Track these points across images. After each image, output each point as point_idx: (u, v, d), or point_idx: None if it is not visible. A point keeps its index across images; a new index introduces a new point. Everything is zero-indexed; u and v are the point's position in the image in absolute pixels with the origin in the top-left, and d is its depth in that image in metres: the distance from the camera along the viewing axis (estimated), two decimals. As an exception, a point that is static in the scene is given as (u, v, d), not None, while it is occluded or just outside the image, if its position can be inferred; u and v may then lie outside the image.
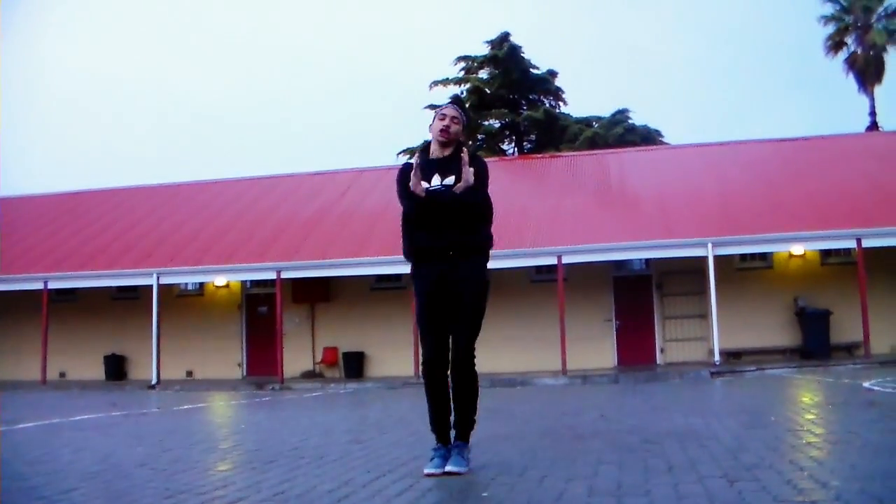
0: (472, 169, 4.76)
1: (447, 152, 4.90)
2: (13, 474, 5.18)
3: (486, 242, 5.04)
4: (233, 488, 4.47)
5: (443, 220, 4.80)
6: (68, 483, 4.74)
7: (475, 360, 4.86)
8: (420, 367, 5.01)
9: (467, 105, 37.98)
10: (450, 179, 4.80)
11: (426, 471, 4.68)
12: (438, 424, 4.91)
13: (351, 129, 76.71)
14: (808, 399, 8.50)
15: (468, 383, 4.84)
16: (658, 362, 20.89)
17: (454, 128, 4.87)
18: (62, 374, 24.08)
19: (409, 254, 4.98)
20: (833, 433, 5.62)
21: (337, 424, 7.81)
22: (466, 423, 4.88)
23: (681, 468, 4.40)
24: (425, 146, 5.04)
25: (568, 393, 14.02)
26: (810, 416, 6.61)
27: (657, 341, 21.13)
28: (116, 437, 7.15)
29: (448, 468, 4.64)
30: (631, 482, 4.08)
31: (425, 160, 4.93)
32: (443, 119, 4.88)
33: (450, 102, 5.02)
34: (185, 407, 11.79)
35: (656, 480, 4.09)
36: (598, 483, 4.11)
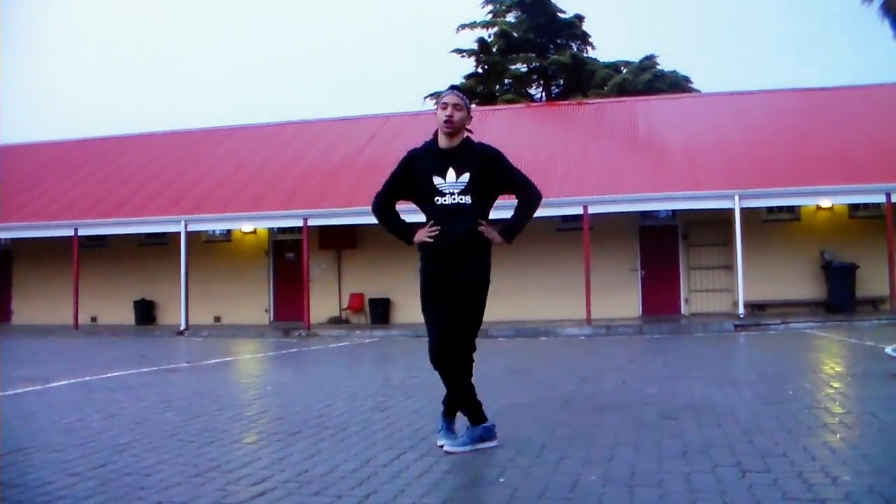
0: (493, 232, 4.86)
1: (455, 141, 4.85)
2: (50, 444, 5.34)
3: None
4: (258, 465, 4.60)
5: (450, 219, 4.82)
6: (100, 457, 4.89)
7: (474, 350, 4.97)
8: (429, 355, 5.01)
9: (494, 49, 37.67)
10: (465, 177, 4.77)
11: (439, 443, 4.92)
12: (448, 401, 5.05)
13: (376, 74, 76.16)
14: (828, 368, 8.52)
15: (465, 376, 4.93)
16: (682, 313, 20.93)
17: (458, 115, 4.79)
18: (93, 319, 24.51)
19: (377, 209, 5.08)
20: (850, 413, 5.65)
21: (361, 387, 7.95)
22: (468, 411, 4.94)
23: (695, 452, 4.48)
24: (433, 138, 4.94)
25: (591, 347, 14.11)
26: (829, 391, 6.64)
27: (682, 292, 21.15)
28: (146, 399, 7.31)
29: (446, 447, 4.80)
30: (645, 469, 4.16)
31: (435, 151, 4.89)
32: (444, 108, 4.80)
33: (450, 89, 4.92)
34: (213, 361, 12.00)
35: (670, 467, 4.17)
36: (612, 469, 4.19)
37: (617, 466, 4.25)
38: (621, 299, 20.90)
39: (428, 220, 4.87)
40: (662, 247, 21.25)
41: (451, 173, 4.77)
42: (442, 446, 4.84)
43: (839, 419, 5.36)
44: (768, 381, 7.31)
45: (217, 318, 23.85)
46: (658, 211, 20.73)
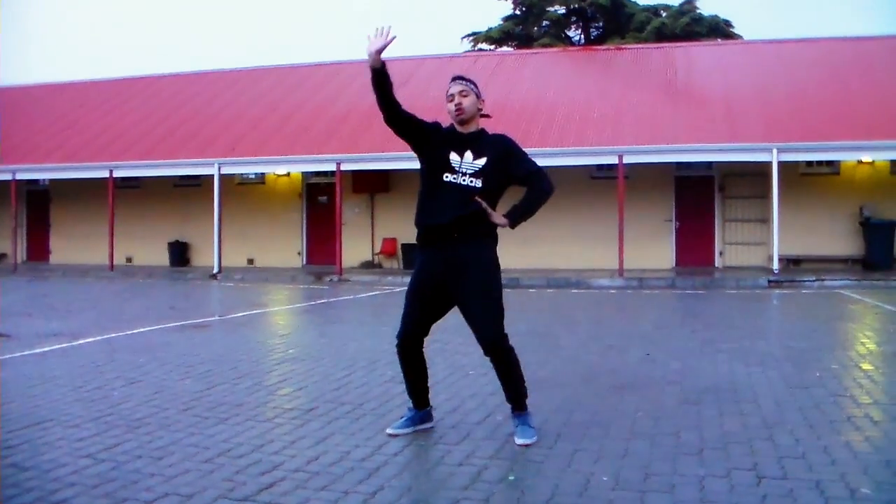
0: (496, 214, 4.68)
1: (472, 128, 4.78)
2: (68, 417, 5.37)
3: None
4: (270, 448, 4.58)
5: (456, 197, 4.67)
6: (115, 434, 4.90)
7: (507, 339, 4.76)
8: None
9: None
10: (481, 161, 4.67)
11: (388, 431, 4.88)
12: (413, 393, 5.01)
13: (412, 15, 75.14)
14: (859, 346, 8.30)
15: (508, 365, 4.75)
16: (716, 265, 20.69)
17: (466, 101, 4.70)
18: (129, 260, 24.79)
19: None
20: (877, 404, 5.48)
21: (383, 352, 7.90)
22: (517, 396, 4.78)
23: (712, 450, 4.38)
24: (451, 125, 4.84)
25: (621, 303, 14.00)
26: (857, 375, 6.46)
27: (716, 244, 20.88)
28: (168, 363, 7.34)
29: (518, 441, 4.60)
30: (659, 469, 4.07)
31: (455, 133, 4.79)
32: (451, 100, 4.73)
33: (453, 79, 4.83)
34: (241, 314, 12.04)
35: (684, 468, 4.08)
36: (625, 468, 4.11)
37: (630, 465, 4.17)
38: (655, 250, 20.69)
39: (423, 195, 4.75)
40: (698, 198, 20.94)
41: (468, 154, 4.69)
42: (392, 435, 4.82)
43: (865, 412, 5.22)
44: (795, 360, 7.15)
45: (250, 261, 23.99)
46: (695, 161, 20.36)
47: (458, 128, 4.77)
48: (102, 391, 6.21)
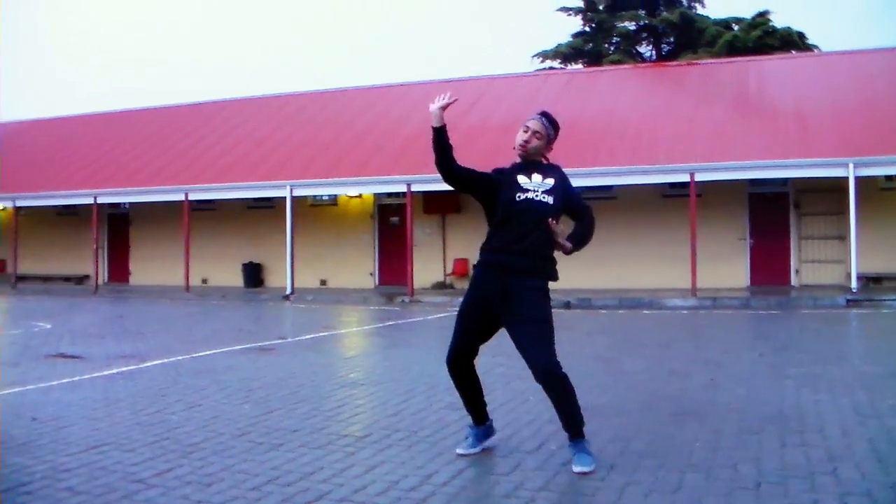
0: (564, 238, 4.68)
1: (532, 162, 4.80)
2: (126, 441, 5.43)
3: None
4: (318, 477, 4.55)
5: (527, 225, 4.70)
6: (168, 460, 4.93)
7: (559, 366, 4.71)
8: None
9: (601, 6, 36.67)
10: (550, 181, 4.71)
11: (458, 451, 4.91)
12: (470, 409, 5.10)
13: (482, 34, 75.45)
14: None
15: (562, 392, 4.73)
16: (792, 283, 20.17)
17: (533, 144, 4.74)
18: (204, 281, 25.23)
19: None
20: None
21: (443, 376, 7.82)
22: (573, 424, 4.71)
23: (769, 485, 4.20)
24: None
25: (692, 325, 13.73)
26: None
27: (792, 262, 20.37)
28: (229, 387, 7.39)
29: (576, 469, 4.51)
30: (712, 504, 3.93)
31: (518, 163, 4.85)
32: (525, 132, 4.75)
33: (538, 115, 4.82)
34: (308, 337, 12.13)
35: None
36: None
37: (682, 499, 4.02)
38: (728, 269, 20.28)
39: (497, 223, 4.77)
40: (772, 215, 20.48)
41: (536, 176, 4.72)
42: (462, 455, 4.89)
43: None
44: (868, 386, 6.87)
45: (323, 282, 24.21)
46: (768, 178, 19.90)
47: (518, 160, 4.82)
48: (162, 415, 6.28)
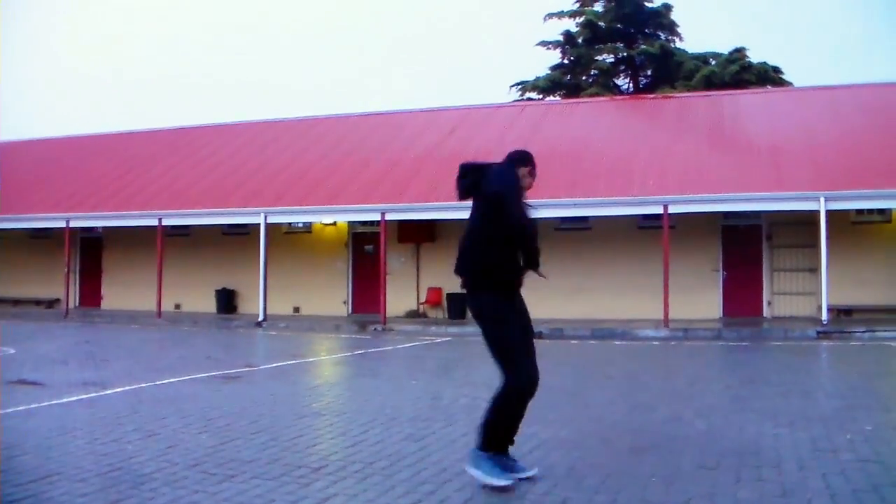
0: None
1: None
2: (77, 471, 5.34)
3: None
4: (236, 502, 4.50)
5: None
6: (118, 491, 4.86)
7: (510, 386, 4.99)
8: (519, 389, 5.05)
9: (580, 39, 37.02)
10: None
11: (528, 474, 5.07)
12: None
13: (460, 65, 75.84)
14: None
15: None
16: (765, 315, 20.27)
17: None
18: (177, 306, 25.02)
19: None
20: None
21: (405, 407, 7.82)
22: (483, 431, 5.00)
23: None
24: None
25: (661, 357, 13.73)
26: (892, 438, 6.17)
27: (764, 294, 20.49)
28: (189, 416, 7.31)
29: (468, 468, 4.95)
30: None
31: None
32: (532, 176, 5.18)
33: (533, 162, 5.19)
34: (274, 365, 12.05)
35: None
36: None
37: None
38: (702, 300, 20.35)
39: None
40: (745, 247, 20.62)
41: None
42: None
43: (893, 480, 4.95)
44: (828, 420, 6.87)
45: (296, 309, 24.08)
46: (741, 210, 20.03)
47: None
48: (118, 444, 6.19)
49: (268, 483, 5.06)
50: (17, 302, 27.21)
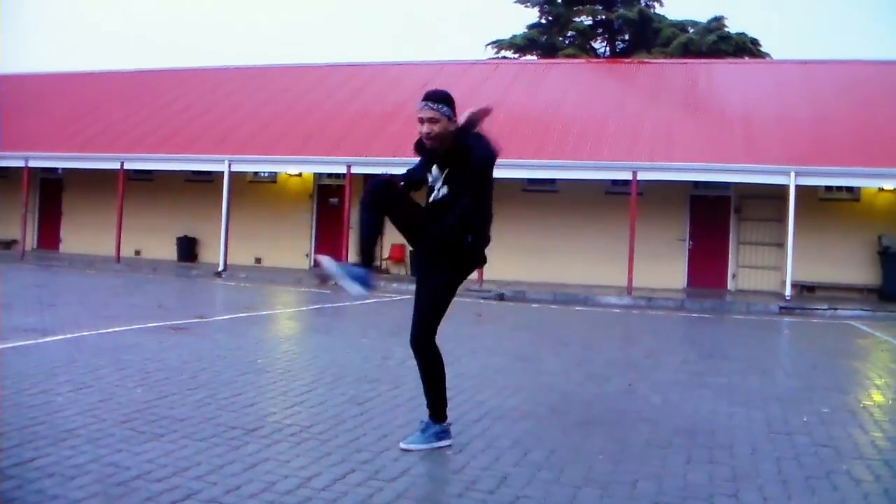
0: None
1: (448, 145, 4.61)
2: (18, 419, 5.05)
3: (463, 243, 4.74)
4: (192, 473, 4.23)
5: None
6: (36, 447, 4.56)
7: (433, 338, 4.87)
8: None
9: (559, 0, 36.46)
10: (444, 190, 4.64)
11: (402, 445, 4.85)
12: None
13: (436, 19, 74.86)
14: (859, 390, 7.82)
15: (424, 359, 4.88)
16: (729, 288, 20.22)
17: (436, 128, 4.54)
18: (137, 252, 24.61)
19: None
20: (863, 459, 4.92)
21: (354, 367, 7.57)
22: (430, 399, 4.92)
23: (667, 505, 3.99)
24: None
25: (622, 325, 13.59)
26: (849, 423, 5.96)
27: (730, 266, 20.43)
28: (127, 368, 7.01)
29: (402, 444, 4.80)
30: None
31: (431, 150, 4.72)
32: (421, 124, 4.59)
33: (422, 101, 4.61)
34: (225, 317, 11.77)
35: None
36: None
37: (572, 518, 3.78)
38: (666, 269, 20.25)
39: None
40: (713, 218, 20.51)
41: (434, 169, 4.70)
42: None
43: (847, 467, 4.75)
44: (785, 400, 6.71)
45: (258, 260, 23.76)
46: (711, 181, 19.87)
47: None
48: (46, 396, 5.88)
49: (197, 444, 4.79)
50: (-29, 242, 26.61)
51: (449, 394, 6.27)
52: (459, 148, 4.56)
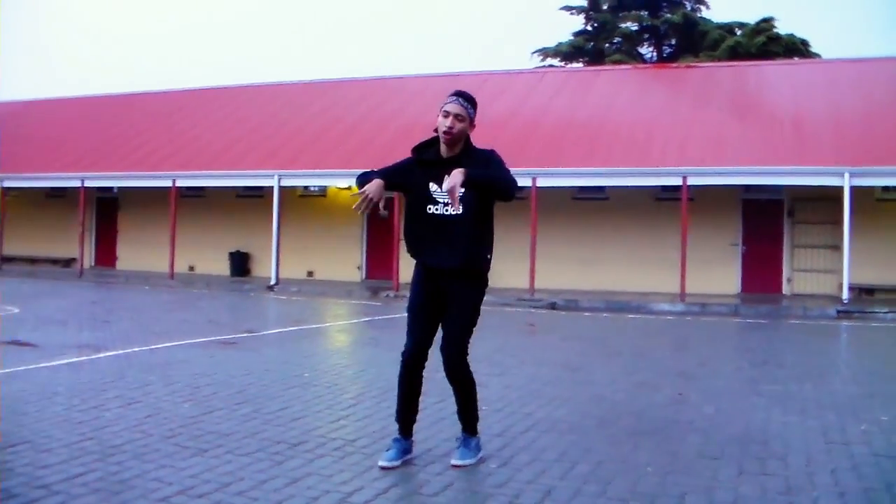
0: (456, 177, 4.28)
1: (456, 150, 4.57)
2: (47, 440, 5.09)
3: (485, 265, 4.77)
4: (235, 489, 4.25)
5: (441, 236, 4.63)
6: (83, 463, 4.61)
7: (466, 360, 4.73)
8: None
9: (604, 7, 36.25)
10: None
11: (380, 464, 4.64)
12: (407, 419, 4.90)
13: (481, 29, 74.91)
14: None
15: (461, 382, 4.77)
16: (784, 292, 19.83)
17: (458, 126, 4.50)
18: (191, 268, 24.89)
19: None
20: None
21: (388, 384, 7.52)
22: (468, 417, 4.85)
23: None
24: (434, 140, 4.66)
25: (674, 332, 13.37)
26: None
27: (784, 270, 20.04)
28: (176, 383, 7.06)
29: (454, 462, 4.71)
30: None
31: (436, 160, 4.60)
32: (446, 117, 4.49)
33: (454, 96, 4.56)
34: (275, 331, 11.82)
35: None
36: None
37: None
38: (719, 275, 19.94)
39: (410, 230, 4.71)
40: (766, 222, 20.15)
41: (446, 180, 4.41)
42: (385, 468, 4.66)
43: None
44: (842, 408, 6.50)
45: (310, 273, 23.88)
46: (763, 184, 19.49)
47: (443, 148, 4.59)
48: (96, 412, 5.94)
49: (240, 459, 4.79)
50: (33, 261, 27.18)
51: (495, 406, 6.27)
52: (470, 155, 4.56)
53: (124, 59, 75.31)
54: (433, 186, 4.58)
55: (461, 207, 4.47)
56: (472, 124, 4.58)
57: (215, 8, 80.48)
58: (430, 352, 4.78)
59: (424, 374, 4.82)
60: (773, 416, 6.13)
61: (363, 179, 4.48)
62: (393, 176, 4.62)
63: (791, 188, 19.33)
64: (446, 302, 4.67)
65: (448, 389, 4.89)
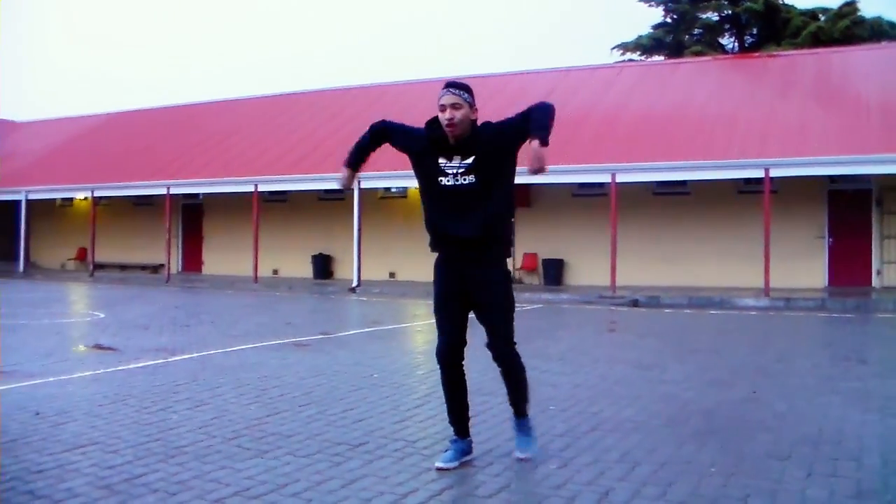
0: (539, 151, 4.23)
1: (462, 137, 4.55)
2: (113, 441, 5.19)
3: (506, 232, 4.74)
4: (290, 490, 4.25)
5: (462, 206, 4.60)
6: (144, 464, 4.67)
7: (515, 348, 4.74)
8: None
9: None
10: (469, 159, 4.51)
11: (437, 465, 4.59)
12: (454, 416, 4.86)
13: (560, 25, 74.33)
14: None
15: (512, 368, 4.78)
16: (873, 285, 19.17)
17: (458, 115, 4.48)
18: (275, 272, 25.32)
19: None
20: None
21: (472, 378, 7.42)
22: (519, 400, 4.85)
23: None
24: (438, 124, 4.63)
25: (756, 328, 13.03)
26: None
27: (874, 262, 19.36)
28: (245, 385, 7.15)
29: (517, 455, 4.71)
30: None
31: (445, 145, 4.61)
32: (443, 111, 4.50)
33: (445, 88, 4.56)
34: (350, 332, 11.89)
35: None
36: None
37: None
38: (805, 268, 19.41)
39: (428, 209, 4.73)
40: (853, 213, 19.51)
41: (456, 158, 4.55)
42: (441, 469, 4.57)
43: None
44: (924, 403, 6.25)
45: (392, 274, 24.06)
46: (849, 174, 18.87)
47: (451, 139, 4.57)
48: (164, 414, 6.05)
49: (299, 460, 4.80)
50: (123, 267, 28.01)
51: (563, 405, 6.18)
52: (479, 136, 4.53)
53: (201, 70, 77.03)
54: (442, 160, 4.58)
55: (473, 176, 4.48)
56: (473, 108, 4.55)
57: (298, 13, 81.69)
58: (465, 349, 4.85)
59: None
60: (850, 415, 5.90)
61: (374, 129, 4.97)
62: (400, 136, 4.90)
63: (879, 177, 18.67)
64: (472, 293, 4.66)
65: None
